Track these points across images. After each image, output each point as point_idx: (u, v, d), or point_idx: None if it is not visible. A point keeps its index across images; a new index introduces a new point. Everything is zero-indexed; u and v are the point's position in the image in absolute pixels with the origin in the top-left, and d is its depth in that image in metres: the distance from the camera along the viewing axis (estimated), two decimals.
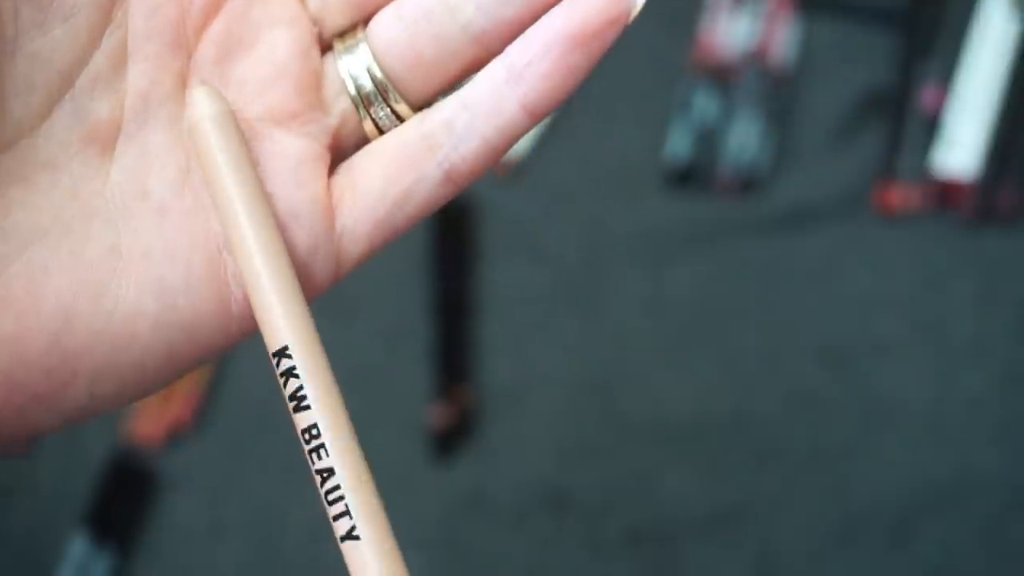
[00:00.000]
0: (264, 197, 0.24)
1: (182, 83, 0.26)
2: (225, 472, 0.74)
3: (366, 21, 0.27)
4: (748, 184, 0.77)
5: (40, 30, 0.24)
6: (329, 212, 0.26)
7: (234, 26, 0.26)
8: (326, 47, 0.27)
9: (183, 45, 0.26)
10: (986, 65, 0.76)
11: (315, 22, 0.27)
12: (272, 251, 0.24)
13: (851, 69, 0.79)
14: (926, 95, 0.77)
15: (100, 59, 0.25)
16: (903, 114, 0.77)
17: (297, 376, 0.24)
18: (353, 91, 0.26)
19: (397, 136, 0.26)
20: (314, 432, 0.23)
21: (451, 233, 0.77)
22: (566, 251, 0.77)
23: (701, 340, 0.76)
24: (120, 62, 0.25)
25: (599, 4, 0.25)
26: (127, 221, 0.25)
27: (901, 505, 0.72)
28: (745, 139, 0.78)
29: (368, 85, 0.26)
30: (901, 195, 0.76)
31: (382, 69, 0.26)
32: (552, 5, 0.25)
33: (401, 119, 0.26)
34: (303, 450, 0.24)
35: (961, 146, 0.76)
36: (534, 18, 0.25)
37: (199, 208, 0.25)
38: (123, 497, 0.72)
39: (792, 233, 0.77)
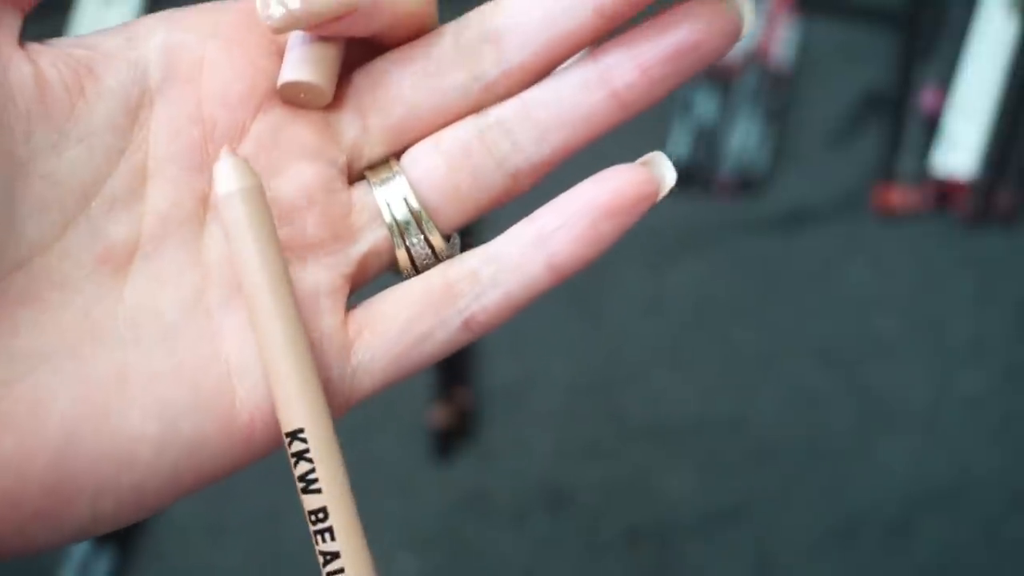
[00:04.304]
0: (287, 278, 0.24)
1: (203, 204, 0.25)
2: None
3: (397, 155, 0.27)
4: (748, 184, 0.77)
5: (54, 151, 0.24)
6: (342, 346, 0.26)
7: (260, 152, 0.26)
8: (356, 176, 0.27)
9: (206, 167, 0.25)
10: (985, 66, 0.76)
11: (352, 150, 0.26)
12: (292, 332, 0.24)
13: (851, 69, 0.79)
14: (925, 96, 0.77)
15: (118, 180, 0.25)
16: (903, 115, 0.77)
17: (310, 460, 0.24)
18: (389, 219, 0.27)
19: (422, 281, 0.27)
20: (322, 516, 0.24)
21: None
22: None
23: (701, 340, 0.76)
24: (139, 183, 0.25)
25: (633, 181, 0.26)
26: (137, 342, 0.24)
27: (900, 505, 0.72)
28: (745, 139, 0.78)
29: (402, 213, 0.27)
30: (900, 195, 0.76)
31: (418, 198, 0.26)
32: (583, 142, 0.26)
33: (432, 245, 0.27)
34: (308, 529, 0.24)
35: (960, 147, 0.76)
36: (568, 155, 0.27)
37: (210, 330, 0.25)
38: None
39: (792, 233, 0.77)
